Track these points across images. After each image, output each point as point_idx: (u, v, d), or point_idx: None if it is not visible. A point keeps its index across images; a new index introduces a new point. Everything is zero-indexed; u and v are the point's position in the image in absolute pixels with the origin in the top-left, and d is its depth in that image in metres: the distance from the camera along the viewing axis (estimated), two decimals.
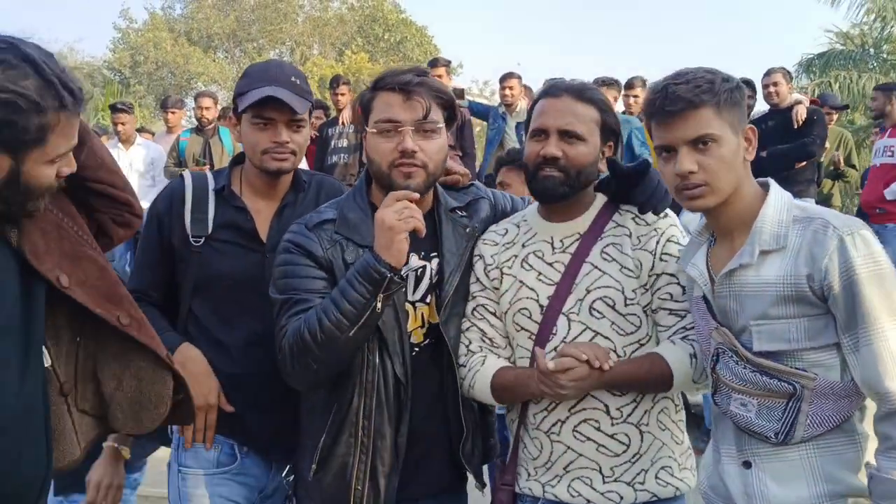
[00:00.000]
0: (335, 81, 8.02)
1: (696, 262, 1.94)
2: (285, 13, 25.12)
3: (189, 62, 23.72)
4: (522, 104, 7.24)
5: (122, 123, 8.02)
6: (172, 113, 8.67)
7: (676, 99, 1.78)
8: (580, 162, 2.06)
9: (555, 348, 2.06)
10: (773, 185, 1.89)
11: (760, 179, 1.92)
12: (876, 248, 1.71)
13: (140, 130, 9.29)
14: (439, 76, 7.42)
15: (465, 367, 2.18)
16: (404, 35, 25.12)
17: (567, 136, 2.06)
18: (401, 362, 2.09)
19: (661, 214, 2.14)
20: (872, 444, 1.79)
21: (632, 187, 2.14)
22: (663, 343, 2.08)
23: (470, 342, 2.21)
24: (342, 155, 7.41)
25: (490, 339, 2.21)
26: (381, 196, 2.12)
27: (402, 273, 2.00)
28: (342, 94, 7.76)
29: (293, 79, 2.33)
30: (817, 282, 1.72)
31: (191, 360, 2.23)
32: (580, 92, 2.11)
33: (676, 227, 2.15)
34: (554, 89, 2.13)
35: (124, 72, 25.23)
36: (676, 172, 1.82)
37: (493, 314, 2.21)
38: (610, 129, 2.13)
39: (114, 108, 8.25)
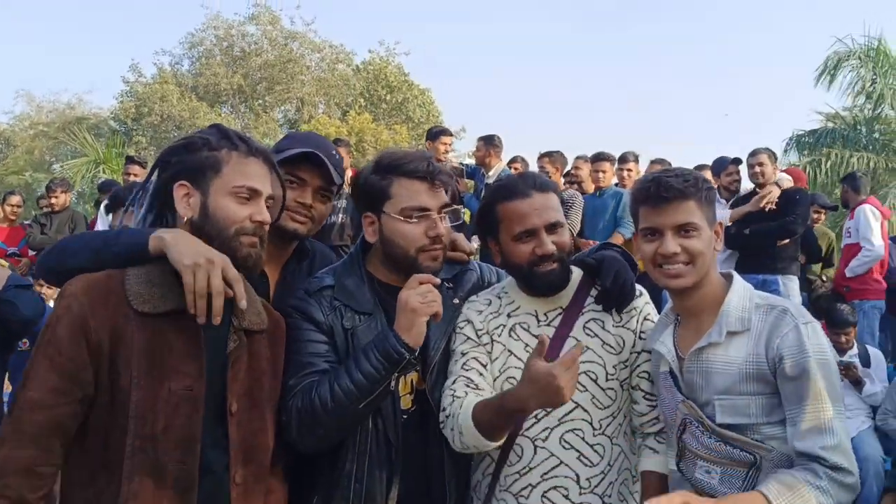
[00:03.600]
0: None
1: (663, 341, 2.13)
2: (293, 73, 25.59)
3: (195, 116, 24.09)
4: (498, 165, 7.70)
5: (134, 175, 8.21)
6: None
7: (669, 188, 2.01)
8: (568, 245, 2.24)
9: (535, 415, 2.16)
10: (736, 276, 2.11)
11: (723, 271, 2.14)
12: (823, 340, 1.93)
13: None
14: (446, 144, 7.77)
15: (449, 416, 2.13)
16: (405, 96, 25.57)
17: (553, 228, 2.20)
18: (393, 427, 2.16)
19: (637, 293, 2.30)
20: None
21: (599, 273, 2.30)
22: (646, 454, 2.23)
23: (455, 391, 2.17)
24: (340, 215, 7.61)
25: (476, 385, 2.19)
26: (382, 268, 2.25)
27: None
28: None
29: (334, 152, 2.37)
30: (771, 361, 1.91)
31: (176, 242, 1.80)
32: (543, 186, 2.25)
33: (650, 305, 2.32)
34: (521, 190, 2.21)
35: (128, 122, 25.56)
36: (661, 252, 2.03)
37: (485, 366, 2.24)
38: (564, 203, 2.30)
39: (130, 160, 8.74)
